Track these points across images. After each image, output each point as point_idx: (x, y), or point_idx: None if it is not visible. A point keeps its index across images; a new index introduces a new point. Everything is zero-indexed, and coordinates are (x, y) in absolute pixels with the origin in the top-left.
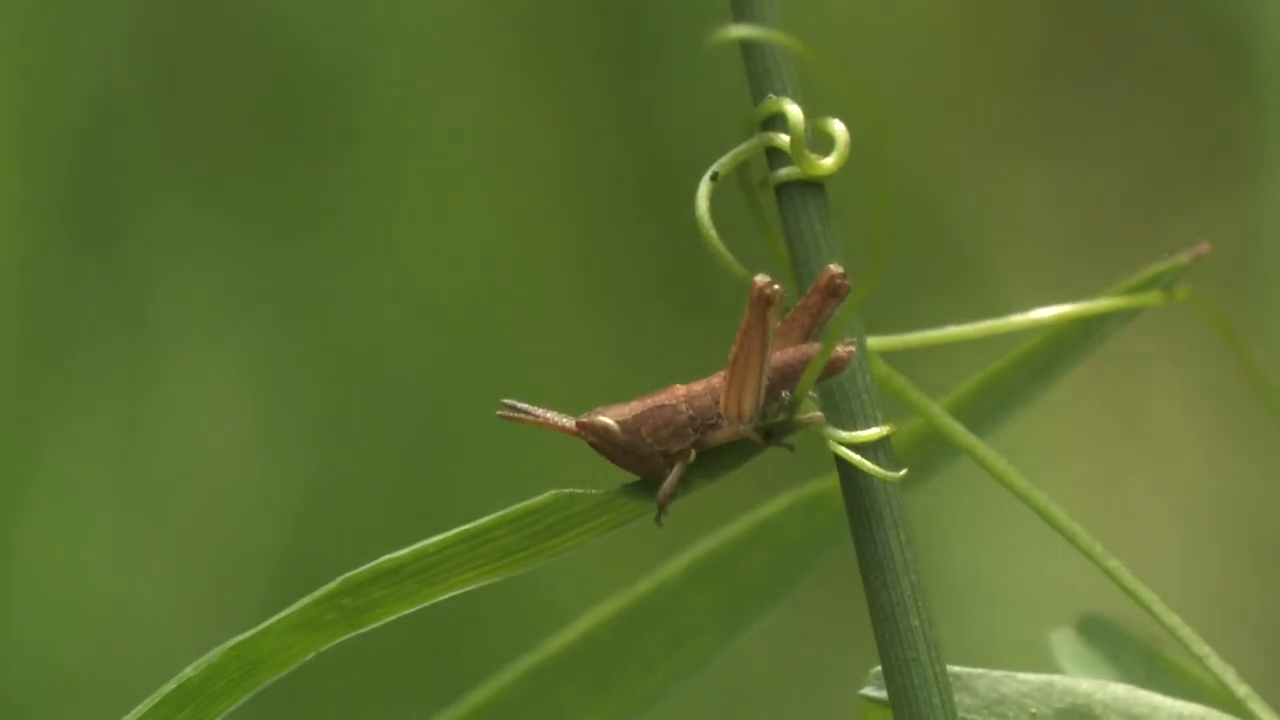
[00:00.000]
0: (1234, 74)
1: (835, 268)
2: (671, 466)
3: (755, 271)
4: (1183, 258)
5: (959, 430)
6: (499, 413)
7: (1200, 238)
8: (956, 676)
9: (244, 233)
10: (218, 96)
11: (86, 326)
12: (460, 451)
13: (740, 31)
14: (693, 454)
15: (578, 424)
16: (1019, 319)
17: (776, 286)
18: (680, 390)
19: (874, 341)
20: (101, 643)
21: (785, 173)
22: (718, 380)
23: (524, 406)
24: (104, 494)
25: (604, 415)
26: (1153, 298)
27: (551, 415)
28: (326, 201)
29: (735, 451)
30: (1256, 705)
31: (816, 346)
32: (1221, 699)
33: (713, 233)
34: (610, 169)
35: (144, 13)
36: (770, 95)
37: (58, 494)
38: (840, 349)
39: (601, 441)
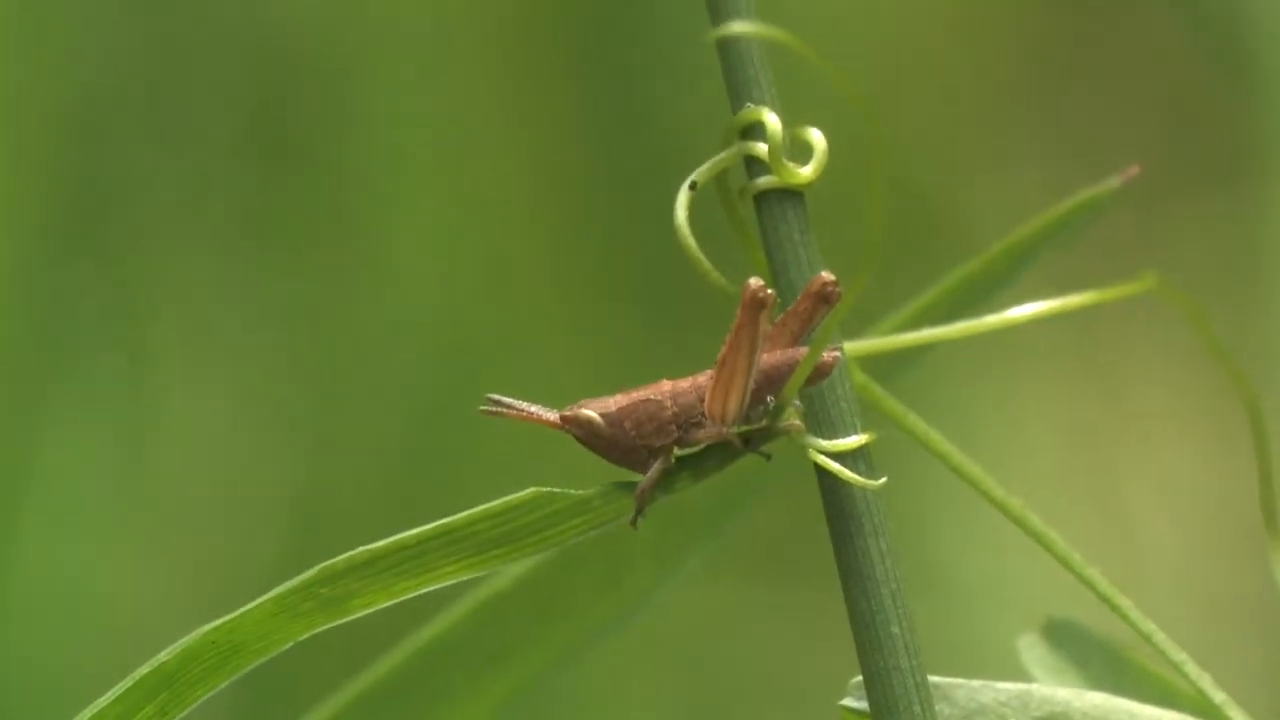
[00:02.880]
0: (1234, 74)
1: (827, 274)
2: (656, 459)
3: (735, 280)
4: (1112, 181)
5: (936, 438)
6: (482, 408)
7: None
8: (935, 686)
9: (238, 236)
10: (211, 100)
11: (82, 329)
12: (455, 454)
13: (738, 28)
14: (674, 451)
15: (561, 417)
16: (994, 319)
17: (770, 290)
18: (666, 386)
19: (851, 346)
20: (99, 644)
21: (763, 181)
22: (704, 379)
23: (507, 401)
24: (100, 496)
25: (588, 408)
26: (1124, 289)
27: (535, 409)
28: (320, 206)
29: (716, 454)
30: (1234, 712)
31: (802, 351)
32: (1197, 704)
33: (691, 241)
34: (600, 174)
35: (138, 16)
36: (748, 104)
37: (54, 496)
38: (825, 354)
39: (585, 435)
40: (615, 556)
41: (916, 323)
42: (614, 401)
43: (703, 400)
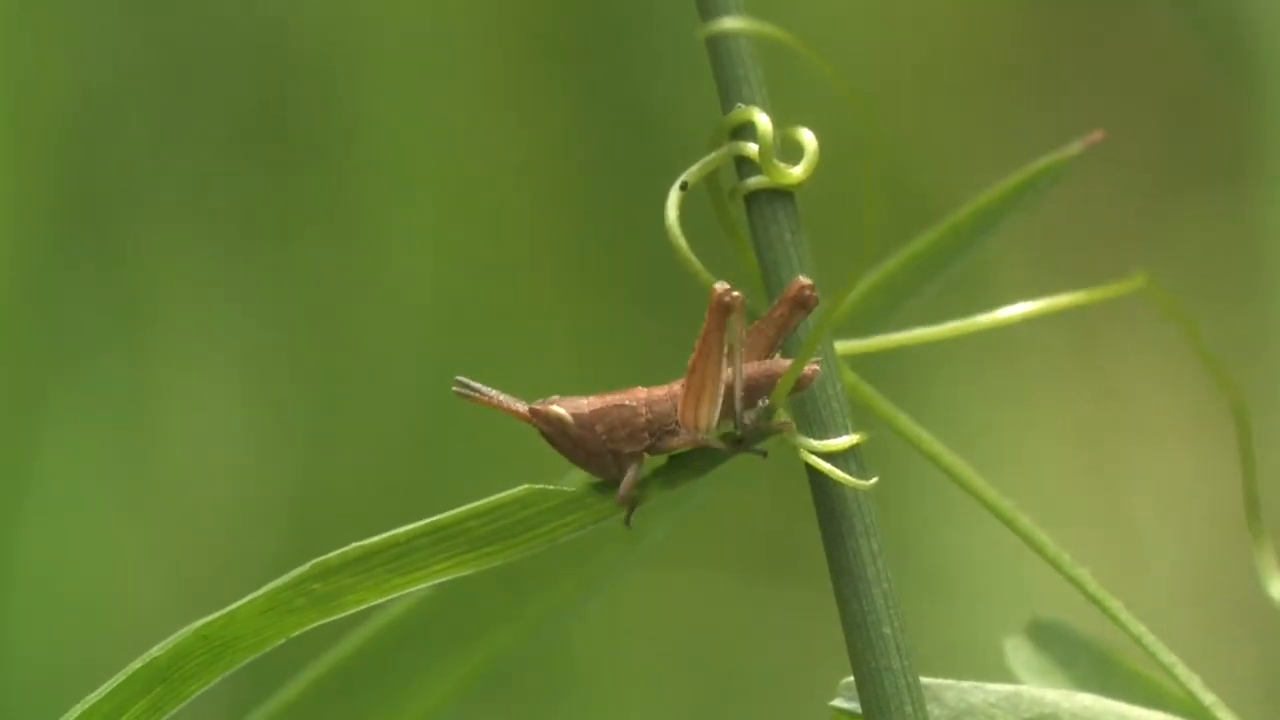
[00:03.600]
0: (1234, 74)
1: (804, 279)
2: (619, 466)
3: (727, 281)
4: (1073, 148)
5: (926, 438)
6: (454, 389)
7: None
8: (926, 687)
9: (238, 235)
10: (211, 99)
11: (83, 326)
12: (455, 452)
13: (729, 24)
14: (645, 457)
15: (530, 410)
16: (987, 318)
17: (736, 293)
18: (642, 393)
19: (842, 346)
20: (99, 642)
21: (754, 182)
22: (679, 387)
23: (477, 386)
24: (101, 494)
25: (559, 405)
26: (1114, 288)
27: (504, 398)
28: (321, 203)
29: (703, 458)
30: (1224, 714)
31: (784, 363)
32: (1187, 706)
33: (682, 241)
34: (597, 171)
35: (139, 14)
36: (739, 104)
37: (54, 494)
38: (805, 368)
39: (552, 430)
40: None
41: (885, 291)
42: (587, 403)
43: (678, 408)
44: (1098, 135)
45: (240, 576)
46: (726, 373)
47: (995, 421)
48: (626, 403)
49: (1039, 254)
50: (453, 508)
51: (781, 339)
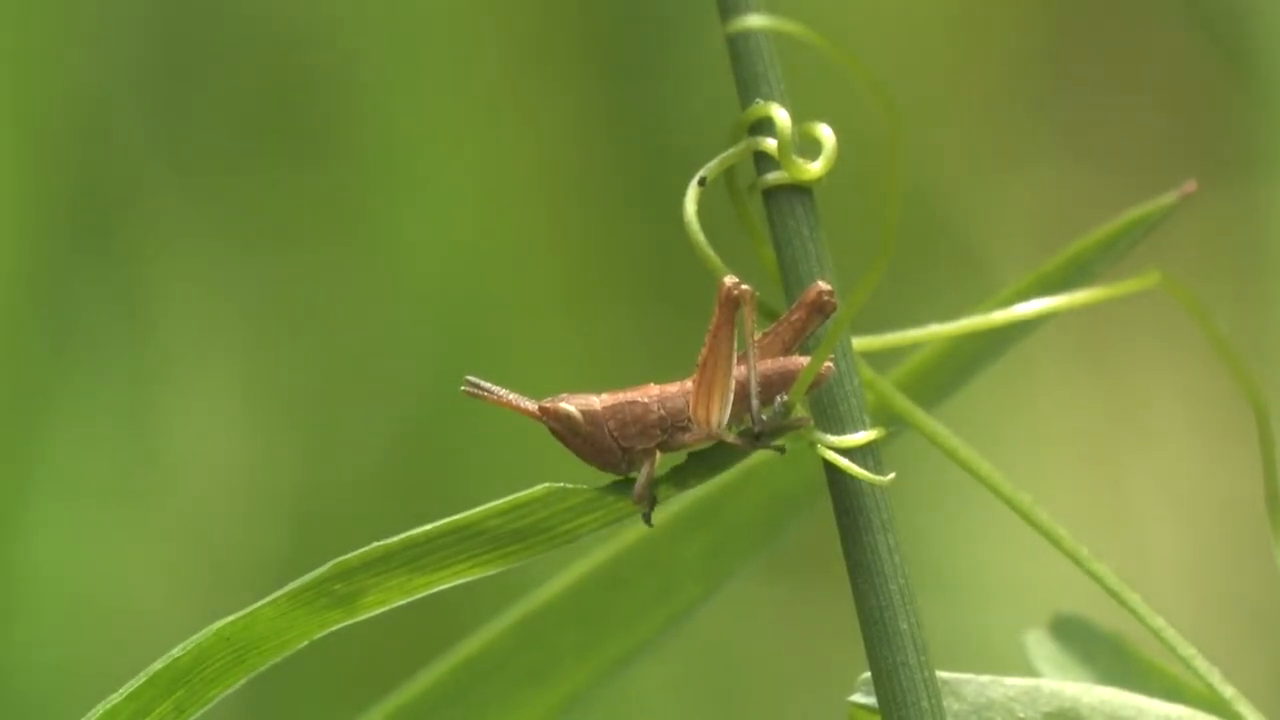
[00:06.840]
0: (1234, 72)
1: (823, 285)
2: (629, 463)
3: (745, 277)
4: (1168, 197)
5: (944, 434)
6: (463, 389)
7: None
8: (944, 682)
9: (242, 232)
10: (215, 95)
11: (85, 325)
12: (461, 451)
13: (754, 22)
14: (658, 454)
15: (540, 408)
16: (1001, 315)
17: (745, 286)
18: (654, 390)
19: (858, 342)
20: (102, 642)
21: (772, 177)
22: (691, 384)
23: (487, 385)
24: (103, 492)
25: (569, 403)
26: (1128, 285)
27: (514, 397)
28: (324, 202)
29: (720, 455)
30: (1243, 707)
31: (799, 360)
32: (1205, 699)
33: (700, 236)
34: (607, 168)
35: (141, 12)
36: (758, 100)
37: (57, 493)
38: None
39: (562, 428)
40: (663, 571)
41: (972, 345)
42: (599, 400)
43: (690, 404)
44: (1191, 186)
45: (244, 577)
46: (739, 369)
47: (1000, 418)
48: (639, 399)
49: (1040, 253)
50: (458, 507)
51: (798, 343)
